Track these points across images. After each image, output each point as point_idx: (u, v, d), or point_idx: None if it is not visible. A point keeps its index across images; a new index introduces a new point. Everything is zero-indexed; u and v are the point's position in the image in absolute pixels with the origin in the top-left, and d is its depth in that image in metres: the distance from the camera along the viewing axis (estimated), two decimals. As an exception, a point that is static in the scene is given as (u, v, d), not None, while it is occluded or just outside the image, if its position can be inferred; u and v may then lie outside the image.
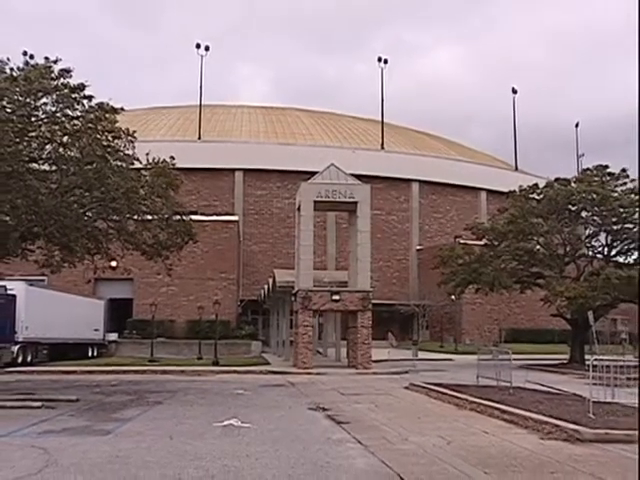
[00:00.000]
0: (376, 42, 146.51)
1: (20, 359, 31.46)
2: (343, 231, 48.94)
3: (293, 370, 30.19)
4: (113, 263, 25.06)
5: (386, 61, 65.19)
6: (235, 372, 29.48)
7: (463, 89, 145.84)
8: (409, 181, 64.65)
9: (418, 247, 64.09)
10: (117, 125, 20.47)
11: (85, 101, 19.71)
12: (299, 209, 33.03)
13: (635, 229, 34.72)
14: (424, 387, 20.62)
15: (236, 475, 8.60)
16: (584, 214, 36.05)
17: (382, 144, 64.86)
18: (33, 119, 19.22)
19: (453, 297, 46.31)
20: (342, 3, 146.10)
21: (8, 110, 18.28)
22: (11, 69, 19.06)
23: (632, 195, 34.47)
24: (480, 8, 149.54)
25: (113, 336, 43.54)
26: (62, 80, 19.18)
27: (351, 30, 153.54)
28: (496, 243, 36.65)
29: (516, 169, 70.96)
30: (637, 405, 12.20)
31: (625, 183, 35.30)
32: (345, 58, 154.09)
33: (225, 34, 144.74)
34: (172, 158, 22.60)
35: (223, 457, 9.74)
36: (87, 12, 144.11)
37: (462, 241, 44.50)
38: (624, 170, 35.59)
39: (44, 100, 19.17)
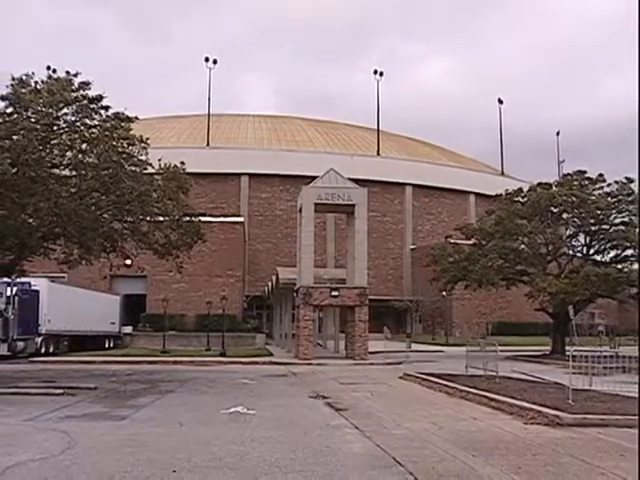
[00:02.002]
0: (373, 54, 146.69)
1: (43, 350, 31.59)
2: (341, 231, 48.99)
3: (295, 361, 30.15)
4: (128, 261, 25.07)
5: (382, 73, 65.28)
6: (241, 363, 29.36)
7: (454, 98, 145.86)
8: (403, 185, 64.67)
9: (412, 246, 64.09)
10: (131, 133, 20.49)
11: (102, 111, 19.76)
12: (300, 211, 33.03)
13: (611, 230, 34.85)
14: (417, 377, 20.60)
15: (242, 458, 8.61)
16: (565, 216, 36.06)
17: (378, 150, 64.84)
18: (55, 128, 19.27)
19: (444, 293, 46.28)
20: (341, 17, 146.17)
21: (32, 120, 18.35)
22: (35, 82, 19.10)
23: (608, 198, 34.61)
24: (470, 23, 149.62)
25: (128, 329, 43.60)
26: (81, 92, 19.23)
27: (349, 42, 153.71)
28: (484, 243, 36.63)
29: (502, 174, 70.90)
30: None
31: (602, 187, 35.33)
32: (344, 69, 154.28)
33: (231, 47, 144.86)
34: (182, 163, 22.59)
35: (230, 442, 9.74)
36: (104, 28, 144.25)
37: (452, 241, 44.46)
38: (601, 175, 35.66)
39: (65, 110, 19.22)
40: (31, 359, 28.91)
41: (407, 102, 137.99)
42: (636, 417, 11.64)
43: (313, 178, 34.25)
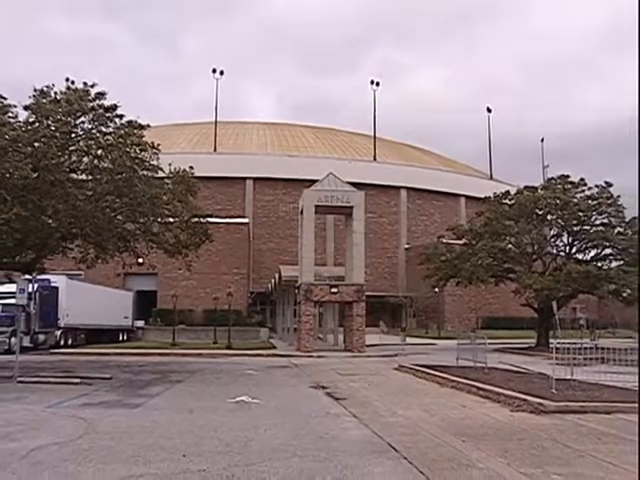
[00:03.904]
0: (370, 64, 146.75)
1: (62, 342, 31.70)
2: (340, 232, 49.00)
3: (296, 353, 30.17)
4: (140, 260, 25.08)
5: (378, 83, 65.41)
6: (246, 355, 29.32)
7: (446, 106, 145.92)
8: (398, 188, 64.75)
9: (406, 246, 64.14)
10: (144, 139, 20.46)
11: (117, 119, 19.74)
12: (302, 212, 33.06)
13: (592, 230, 34.95)
14: (411, 368, 20.61)
15: (247, 444, 8.64)
16: (549, 217, 36.12)
17: (374, 156, 64.92)
18: (73, 135, 19.28)
19: (436, 289, 46.33)
20: (339, 31, 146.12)
21: (52, 128, 18.39)
22: (55, 93, 19.14)
23: (589, 201, 34.74)
24: (462, 35, 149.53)
25: (140, 323, 43.66)
26: (97, 102, 19.23)
27: (347, 54, 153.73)
28: (474, 242, 36.67)
29: (491, 178, 70.98)
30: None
31: (583, 190, 35.45)
32: (342, 79, 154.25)
33: (237, 58, 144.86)
34: (191, 168, 22.55)
35: (236, 428, 9.77)
36: (118, 40, 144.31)
37: (444, 240, 44.46)
38: (582, 179, 35.82)
39: (82, 119, 19.21)
40: (51, 351, 29.02)
41: (402, 110, 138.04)
42: (614, 404, 11.74)
43: (313, 182, 34.28)
